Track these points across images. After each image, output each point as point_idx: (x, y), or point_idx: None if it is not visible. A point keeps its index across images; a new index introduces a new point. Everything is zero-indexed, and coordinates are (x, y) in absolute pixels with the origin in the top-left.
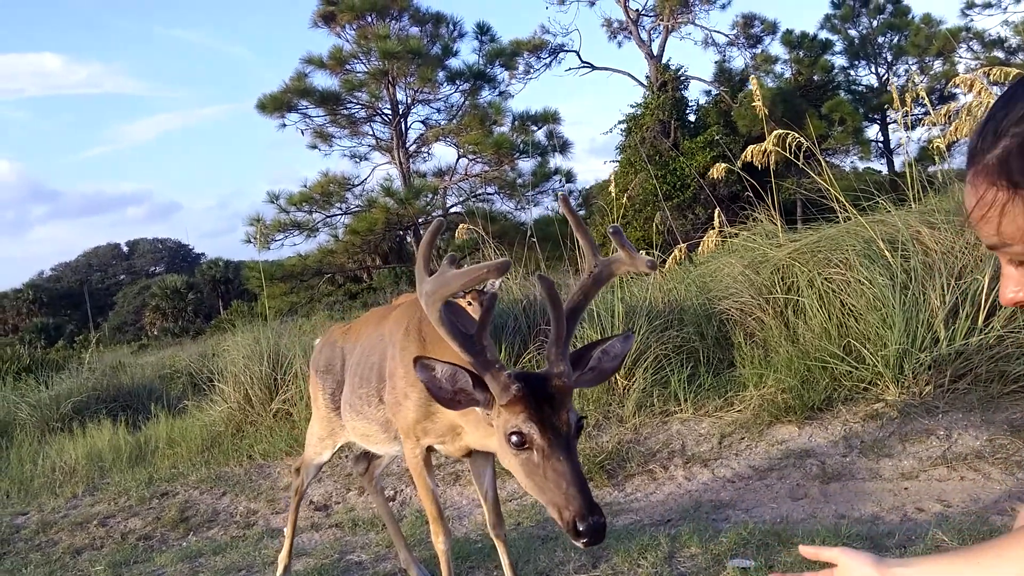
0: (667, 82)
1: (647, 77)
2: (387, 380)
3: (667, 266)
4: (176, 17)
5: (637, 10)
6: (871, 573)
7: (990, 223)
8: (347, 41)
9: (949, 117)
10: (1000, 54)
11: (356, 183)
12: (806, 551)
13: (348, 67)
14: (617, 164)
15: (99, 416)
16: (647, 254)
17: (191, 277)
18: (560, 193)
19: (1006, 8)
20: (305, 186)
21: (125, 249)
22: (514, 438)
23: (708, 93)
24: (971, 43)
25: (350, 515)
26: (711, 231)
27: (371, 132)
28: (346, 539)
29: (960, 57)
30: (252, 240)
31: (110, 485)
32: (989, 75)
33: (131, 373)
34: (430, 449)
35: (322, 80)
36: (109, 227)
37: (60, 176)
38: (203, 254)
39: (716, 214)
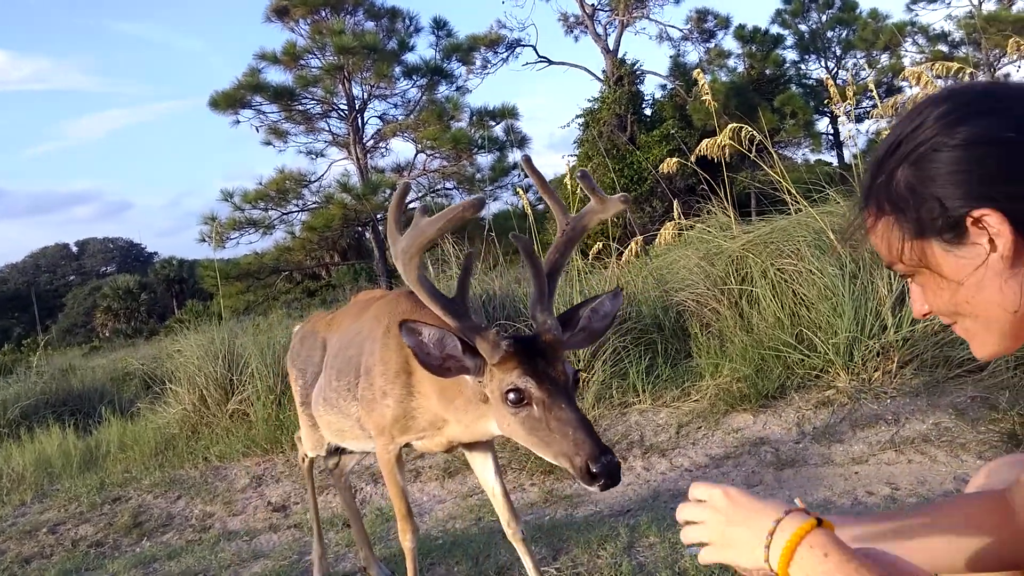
0: (623, 76)
1: (603, 72)
2: (363, 376)
3: (624, 259)
4: (126, 11)
5: (593, 5)
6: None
7: (874, 242)
8: (301, 36)
9: (896, 109)
10: (944, 48)
11: (313, 179)
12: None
13: (303, 62)
14: (575, 158)
15: (48, 421)
16: (603, 247)
17: (144, 277)
18: (523, 156)
19: (949, 3)
20: (260, 183)
21: (74, 249)
22: (511, 395)
23: (663, 87)
24: (916, 37)
25: (309, 515)
26: (668, 224)
27: (327, 128)
28: (305, 539)
29: (906, 51)
30: (207, 239)
31: (60, 491)
32: (934, 69)
33: (81, 376)
34: (406, 445)
35: (276, 76)
36: (58, 226)
37: (5, 175)
38: (156, 253)
39: (675, 207)
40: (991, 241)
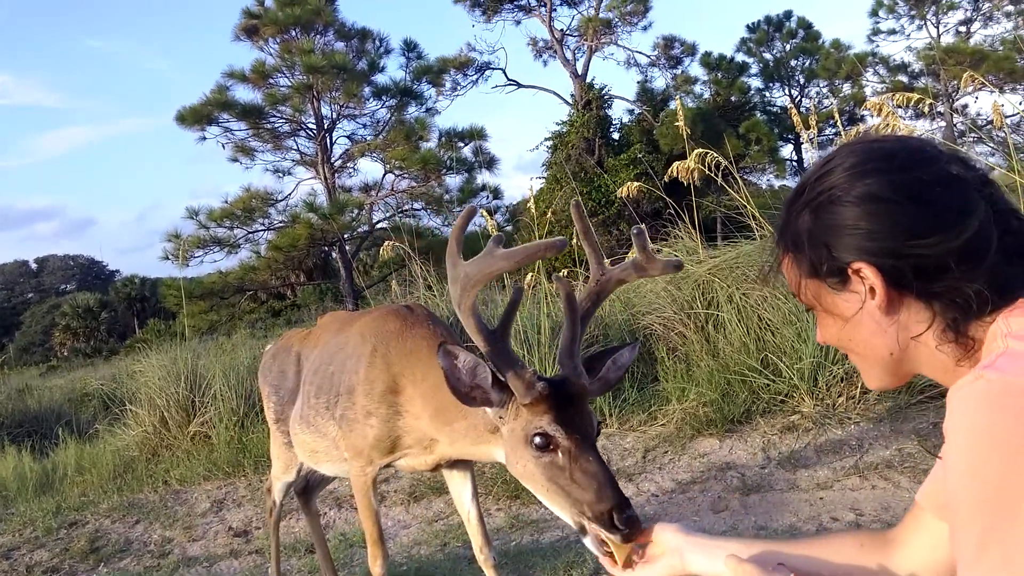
0: (591, 101)
1: (572, 95)
2: (343, 395)
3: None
4: (91, 27)
5: (562, 30)
6: (676, 540)
7: (785, 275)
8: (270, 55)
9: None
10: (904, 78)
11: (279, 198)
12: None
13: (271, 81)
14: (543, 181)
15: (3, 442)
16: (567, 272)
17: (104, 295)
18: (574, 202)
19: (909, 35)
20: (226, 201)
21: (34, 266)
22: (538, 439)
23: (631, 112)
24: (877, 67)
25: (266, 542)
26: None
27: (295, 147)
28: (266, 566)
29: (867, 80)
30: (170, 257)
31: (14, 516)
32: (894, 99)
33: (38, 396)
34: (387, 466)
35: (244, 94)
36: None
37: None
38: (118, 271)
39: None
40: (871, 290)
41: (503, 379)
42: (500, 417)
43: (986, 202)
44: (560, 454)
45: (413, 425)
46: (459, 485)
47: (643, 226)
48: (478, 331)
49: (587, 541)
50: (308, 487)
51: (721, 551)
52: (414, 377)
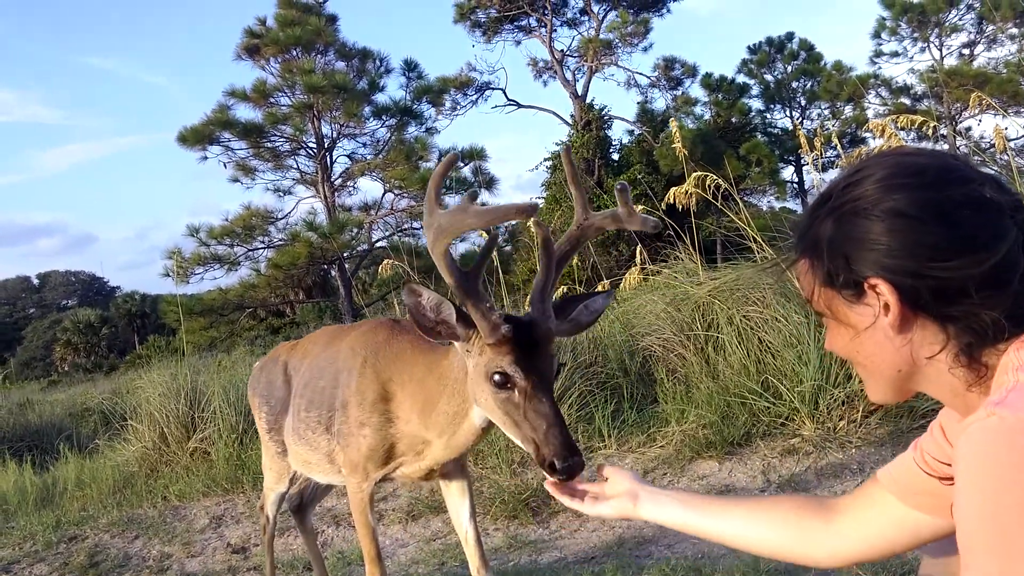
0: (591, 121)
1: (572, 116)
2: (338, 409)
3: None
4: (94, 45)
5: (562, 51)
6: (631, 485)
7: (798, 277)
8: (271, 74)
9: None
10: (907, 100)
11: (279, 217)
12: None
13: (272, 100)
14: (543, 200)
15: (3, 457)
16: (567, 290)
17: (105, 311)
18: (564, 145)
19: (912, 57)
20: (227, 219)
21: (35, 282)
22: (497, 377)
23: (631, 133)
24: (879, 90)
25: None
26: (633, 268)
27: (295, 165)
28: None
29: (869, 103)
30: (171, 273)
31: (14, 530)
32: (897, 122)
33: (39, 411)
34: (384, 480)
35: (245, 113)
36: (20, 259)
37: None
38: (118, 287)
39: (638, 251)
40: (885, 306)
41: (469, 315)
42: (467, 351)
43: (1018, 228)
44: (517, 393)
45: (404, 430)
46: (457, 504)
47: (626, 183)
48: (449, 272)
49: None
50: (303, 504)
51: (670, 500)
52: (401, 380)
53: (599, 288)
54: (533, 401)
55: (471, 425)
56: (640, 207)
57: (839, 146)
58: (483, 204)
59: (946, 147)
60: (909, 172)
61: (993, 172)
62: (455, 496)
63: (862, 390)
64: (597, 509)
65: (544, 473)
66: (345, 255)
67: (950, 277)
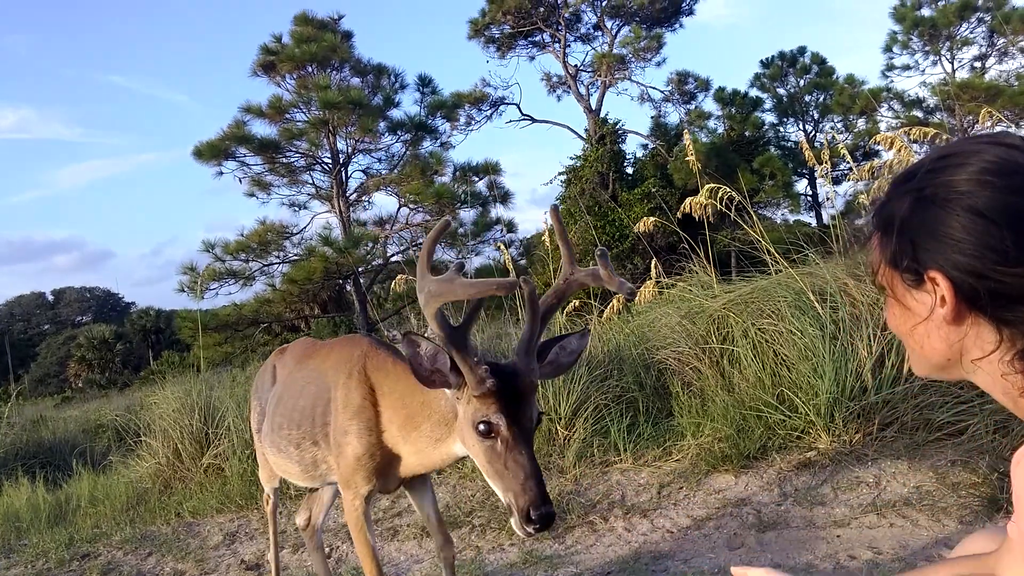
0: (605, 135)
1: (586, 130)
2: (330, 423)
3: (605, 316)
4: (112, 63)
5: (576, 66)
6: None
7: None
8: (287, 91)
9: (873, 173)
10: (919, 113)
11: (295, 232)
12: (736, 571)
13: (288, 116)
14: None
15: (17, 473)
16: (584, 304)
17: (120, 327)
18: (552, 206)
19: (923, 71)
20: (242, 234)
21: (50, 298)
22: (482, 427)
23: (645, 147)
24: (892, 103)
25: (284, 574)
26: (648, 281)
27: (311, 181)
28: None
29: (882, 116)
30: (186, 289)
31: (28, 547)
32: (909, 134)
33: (53, 427)
34: (371, 499)
35: (261, 128)
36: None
37: None
38: (133, 303)
39: (653, 265)
40: (942, 299)
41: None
42: (457, 398)
43: None
44: (499, 442)
45: (385, 440)
46: (419, 493)
47: (605, 249)
48: (441, 328)
49: (512, 521)
50: (310, 521)
51: None
52: (383, 392)
53: (615, 303)
54: (513, 452)
55: (450, 451)
56: (654, 219)
57: (850, 160)
58: (470, 276)
59: None
60: (1002, 171)
61: None
62: (416, 487)
63: (878, 403)
64: None
65: (517, 526)
66: (360, 270)
67: (1013, 283)
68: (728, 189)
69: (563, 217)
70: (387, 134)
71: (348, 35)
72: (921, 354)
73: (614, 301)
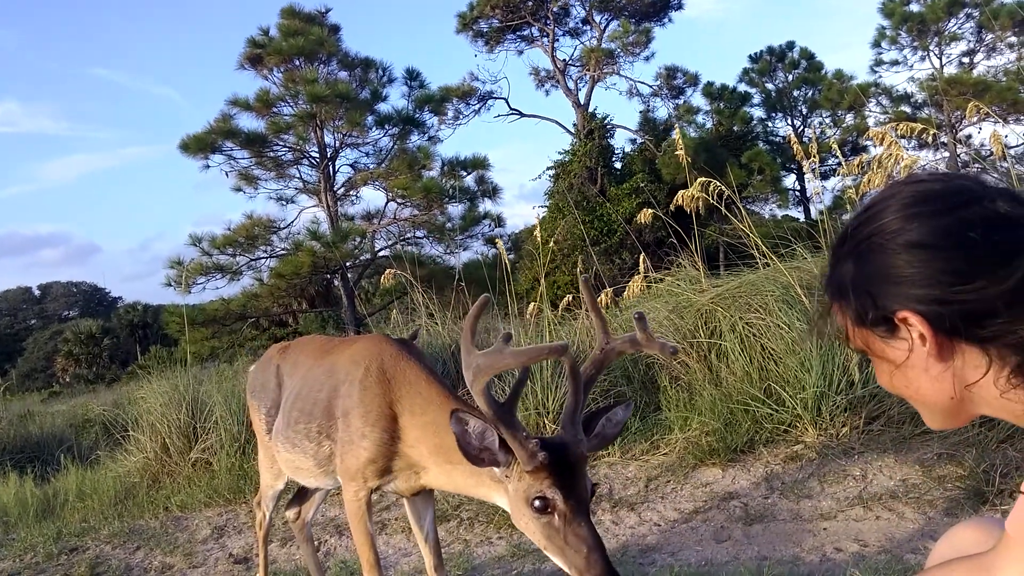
0: (594, 130)
1: (574, 125)
2: (340, 418)
3: None
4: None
5: (564, 60)
6: None
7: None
8: (274, 84)
9: (861, 168)
10: (907, 109)
11: (282, 226)
12: None
13: (275, 110)
14: (546, 209)
15: (4, 468)
16: (572, 298)
17: (107, 322)
18: (581, 276)
19: (912, 66)
20: (229, 229)
21: (37, 292)
22: (537, 503)
23: (633, 141)
24: (880, 98)
25: (271, 568)
26: (636, 276)
27: (298, 175)
28: None
29: (870, 111)
30: (173, 284)
31: (15, 541)
32: (897, 129)
33: (40, 422)
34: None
35: (248, 122)
36: (22, 269)
37: None
38: (120, 298)
39: (641, 259)
40: (921, 337)
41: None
42: (506, 476)
43: None
44: (557, 517)
45: (407, 452)
46: (419, 509)
47: (643, 312)
48: (488, 406)
49: None
50: (301, 514)
51: None
52: (411, 408)
53: (603, 297)
54: (573, 525)
55: (488, 495)
56: (648, 211)
57: (839, 155)
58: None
59: (947, 155)
60: (920, 200)
61: (1004, 184)
62: (418, 503)
63: (865, 396)
64: None
65: None
66: (348, 264)
67: (976, 299)
68: (718, 183)
69: (551, 212)
70: (375, 128)
71: (336, 28)
72: (924, 402)
73: (602, 296)
